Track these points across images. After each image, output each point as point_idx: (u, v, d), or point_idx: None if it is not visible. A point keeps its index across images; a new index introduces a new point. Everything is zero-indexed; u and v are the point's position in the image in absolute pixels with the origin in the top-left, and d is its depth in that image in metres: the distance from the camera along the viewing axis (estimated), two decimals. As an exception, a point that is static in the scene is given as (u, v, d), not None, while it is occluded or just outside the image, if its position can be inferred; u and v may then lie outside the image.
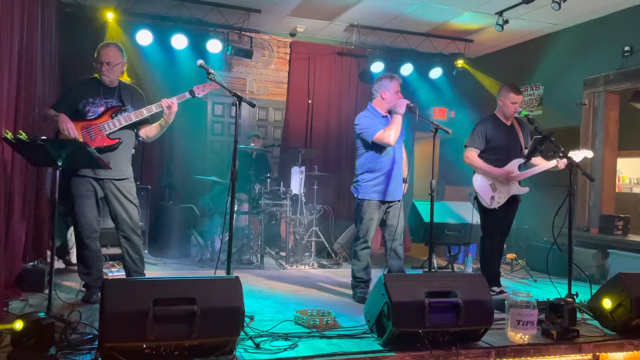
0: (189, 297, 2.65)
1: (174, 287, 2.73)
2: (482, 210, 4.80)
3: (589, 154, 4.69)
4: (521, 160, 4.72)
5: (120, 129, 3.93)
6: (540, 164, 4.74)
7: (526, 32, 7.40)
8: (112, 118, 3.93)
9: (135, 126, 4.06)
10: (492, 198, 4.72)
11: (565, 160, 4.44)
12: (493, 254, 4.83)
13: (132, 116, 3.95)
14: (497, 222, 4.77)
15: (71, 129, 3.75)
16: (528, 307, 3.20)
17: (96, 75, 4.03)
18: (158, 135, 4.21)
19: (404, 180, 4.63)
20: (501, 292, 4.68)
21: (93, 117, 3.92)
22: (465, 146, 4.84)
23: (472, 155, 4.75)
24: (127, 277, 4.07)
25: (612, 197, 6.63)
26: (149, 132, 4.14)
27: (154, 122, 4.12)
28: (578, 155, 4.55)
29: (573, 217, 4.37)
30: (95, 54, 4.02)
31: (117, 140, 3.94)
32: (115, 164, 3.92)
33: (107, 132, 3.90)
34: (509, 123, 4.83)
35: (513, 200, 4.79)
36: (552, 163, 4.61)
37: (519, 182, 4.80)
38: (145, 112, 3.97)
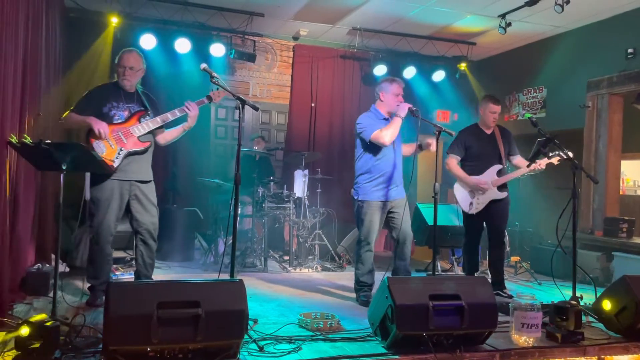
0: (193, 300, 2.66)
1: (178, 290, 2.73)
2: (464, 216, 5.09)
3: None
4: (499, 167, 4.96)
5: (147, 132, 4.02)
6: (523, 165, 4.92)
7: (529, 35, 7.40)
8: (140, 122, 4.01)
9: (154, 131, 4.12)
10: (471, 204, 4.98)
11: (543, 163, 4.66)
12: (472, 256, 5.10)
13: (159, 120, 4.05)
14: (476, 226, 5.03)
15: (105, 129, 3.82)
16: (532, 309, 3.19)
17: (116, 80, 4.09)
18: (175, 140, 4.30)
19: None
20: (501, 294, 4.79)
21: (120, 121, 3.98)
22: (447, 153, 5.11)
23: (451, 162, 5.08)
24: (131, 281, 4.08)
25: (616, 200, 6.61)
26: (167, 136, 4.24)
27: (169, 128, 4.20)
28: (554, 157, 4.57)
29: (577, 219, 4.36)
30: (117, 59, 4.08)
31: (148, 143, 4.06)
32: (140, 168, 4.03)
33: (138, 135, 3.97)
34: (489, 132, 5.07)
35: (496, 203, 4.95)
36: (531, 167, 4.72)
37: (504, 185, 5.00)
38: (170, 117, 4.06)
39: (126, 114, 4.01)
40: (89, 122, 3.82)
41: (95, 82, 6.68)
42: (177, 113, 4.06)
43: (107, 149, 3.87)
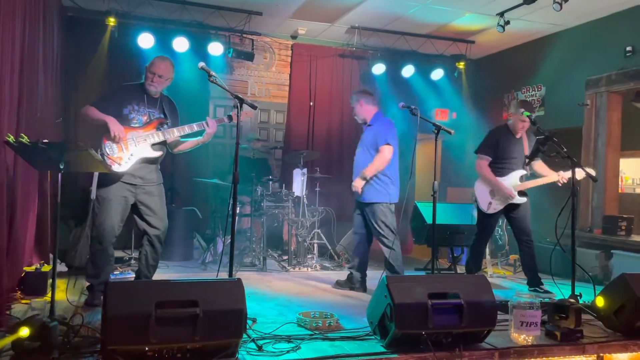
0: (192, 299, 2.65)
1: (176, 290, 2.73)
2: (479, 213, 5.16)
3: (592, 172, 4.74)
4: (523, 172, 5.03)
5: (161, 142, 4.03)
6: (545, 173, 5.00)
7: (528, 33, 7.40)
8: (157, 130, 4.02)
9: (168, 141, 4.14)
10: (490, 204, 5.04)
11: (566, 176, 4.69)
12: (478, 253, 5.24)
13: (176, 132, 4.06)
14: (489, 225, 5.16)
15: (121, 133, 3.83)
16: (532, 308, 3.19)
17: (142, 82, 4.09)
18: (186, 151, 4.34)
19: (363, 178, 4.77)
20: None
21: (138, 125, 3.99)
22: (476, 153, 5.13)
23: (483, 165, 5.06)
24: (129, 280, 4.08)
25: (615, 198, 6.61)
26: (182, 147, 4.27)
27: (185, 139, 4.23)
28: (581, 173, 4.52)
29: (576, 217, 4.36)
30: (149, 63, 4.08)
31: (160, 153, 4.08)
32: (149, 173, 4.05)
33: (151, 143, 3.98)
34: (518, 136, 5.11)
35: (516, 206, 5.07)
36: (554, 177, 4.76)
37: (524, 192, 5.10)
38: (187, 130, 4.07)
39: (145, 118, 4.03)
40: (108, 122, 3.83)
41: (93, 82, 6.72)
42: (195, 127, 4.07)
43: (118, 151, 3.89)
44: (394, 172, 4.87)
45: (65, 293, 4.14)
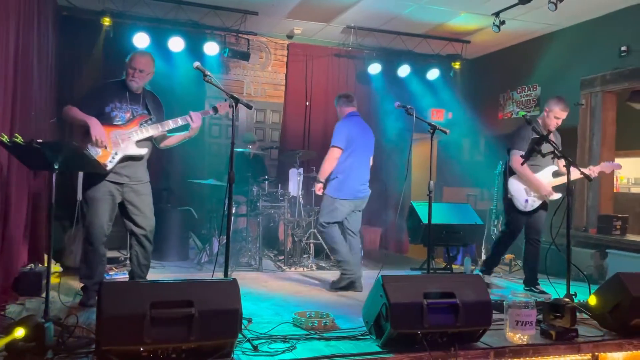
0: (187, 299, 2.64)
1: (171, 290, 2.72)
2: (513, 211, 4.99)
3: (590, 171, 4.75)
4: (555, 168, 4.93)
5: (146, 138, 3.98)
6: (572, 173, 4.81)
7: (523, 33, 7.41)
8: (140, 126, 3.96)
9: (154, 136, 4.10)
10: (526, 201, 4.92)
11: (596, 170, 4.79)
12: (503, 250, 5.18)
13: (159, 127, 4.00)
14: (521, 224, 5.02)
15: (103, 137, 3.76)
16: (527, 307, 3.19)
17: (122, 79, 4.04)
18: (174, 145, 4.30)
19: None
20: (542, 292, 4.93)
21: (120, 123, 3.93)
22: (511, 150, 4.94)
23: (519, 160, 4.75)
24: (124, 281, 4.07)
25: (610, 197, 6.63)
26: (168, 142, 4.23)
27: (171, 133, 4.18)
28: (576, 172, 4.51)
29: (571, 217, 4.36)
30: (129, 59, 4.02)
31: (145, 150, 4.02)
32: (135, 171, 4.00)
33: (135, 140, 3.93)
34: (546, 132, 4.84)
35: (544, 204, 5.03)
36: (585, 172, 4.66)
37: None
38: (171, 124, 4.02)
39: (128, 115, 3.97)
40: (89, 124, 3.76)
41: (88, 82, 6.69)
42: (180, 122, 4.02)
43: (102, 152, 3.83)
44: (345, 171, 4.92)
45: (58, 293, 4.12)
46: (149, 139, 4.05)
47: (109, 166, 3.85)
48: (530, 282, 5.05)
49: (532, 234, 5.06)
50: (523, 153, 4.72)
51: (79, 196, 3.66)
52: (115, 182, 3.93)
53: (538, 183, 4.87)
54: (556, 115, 4.84)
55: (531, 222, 5.04)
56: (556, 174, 4.94)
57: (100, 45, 6.69)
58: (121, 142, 3.88)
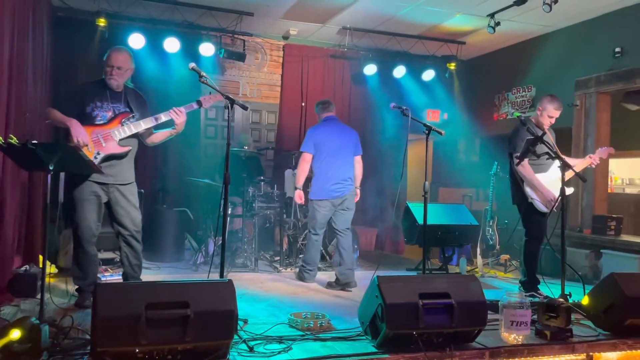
0: (182, 300, 2.64)
1: (166, 291, 2.72)
2: (533, 213, 4.80)
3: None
4: (558, 163, 4.76)
5: (130, 136, 3.94)
6: (572, 162, 4.76)
7: (518, 34, 7.44)
8: (122, 124, 3.92)
9: (139, 133, 4.05)
10: (550, 201, 4.73)
11: (597, 157, 4.77)
12: (536, 258, 4.89)
13: (142, 124, 3.96)
14: (543, 224, 4.81)
15: (84, 138, 3.73)
16: (522, 307, 3.21)
17: (102, 78, 4.01)
18: (162, 142, 4.26)
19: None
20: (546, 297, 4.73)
21: (102, 122, 3.89)
22: (513, 153, 4.81)
23: (525, 163, 4.71)
24: (119, 282, 4.05)
25: (604, 198, 6.66)
26: (154, 139, 4.19)
27: (157, 130, 4.14)
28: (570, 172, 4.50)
29: (566, 218, 4.38)
30: (106, 57, 3.99)
31: (128, 148, 3.97)
32: (121, 170, 3.96)
33: (118, 139, 3.89)
34: (540, 131, 4.82)
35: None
36: (587, 161, 4.66)
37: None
38: (154, 121, 3.98)
39: (109, 114, 3.92)
40: (69, 126, 3.73)
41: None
42: (163, 117, 3.97)
43: (84, 152, 3.81)
44: (319, 174, 5.25)
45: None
46: (134, 136, 4.01)
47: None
48: (533, 287, 4.89)
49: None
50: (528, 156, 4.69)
51: (61, 197, 3.58)
52: (99, 182, 3.89)
53: (543, 189, 4.74)
54: (550, 114, 4.80)
55: (546, 222, 4.88)
56: (562, 168, 4.84)
57: (96, 46, 6.66)
58: (103, 142, 3.83)
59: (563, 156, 4.73)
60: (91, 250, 3.97)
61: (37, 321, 2.74)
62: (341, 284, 5.07)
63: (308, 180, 5.45)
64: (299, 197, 5.32)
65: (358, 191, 5.43)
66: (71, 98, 3.97)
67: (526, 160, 4.71)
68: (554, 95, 4.90)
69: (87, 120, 3.84)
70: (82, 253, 3.94)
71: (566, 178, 4.76)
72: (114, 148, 3.88)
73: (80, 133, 3.72)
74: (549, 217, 4.38)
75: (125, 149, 3.94)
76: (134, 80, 7.12)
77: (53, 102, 3.95)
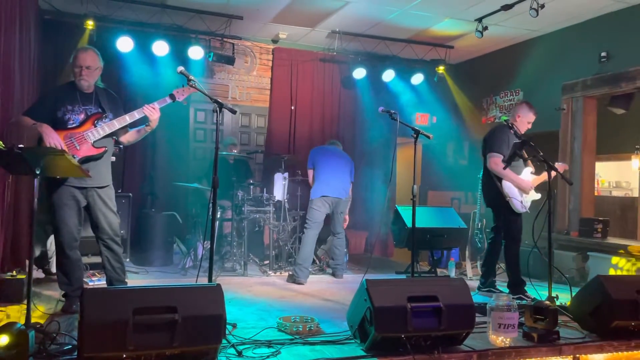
0: (170, 305, 2.63)
1: (154, 296, 2.70)
2: (511, 213, 4.88)
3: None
4: (531, 169, 4.93)
5: (104, 136, 3.88)
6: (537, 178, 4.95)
7: (505, 39, 7.50)
8: (95, 126, 3.85)
9: (115, 132, 3.99)
10: (521, 202, 4.87)
11: (562, 165, 4.85)
12: (519, 258, 4.92)
13: (116, 123, 3.88)
14: (520, 225, 4.92)
15: (58, 143, 3.65)
16: (509, 310, 3.23)
17: (72, 80, 3.94)
18: (139, 139, 4.20)
19: None
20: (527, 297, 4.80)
21: (74, 125, 3.83)
22: (490, 152, 4.89)
23: (499, 161, 4.80)
24: (107, 287, 4.02)
25: (591, 201, 6.72)
26: (129, 137, 4.12)
27: (133, 127, 4.08)
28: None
29: (553, 220, 4.42)
30: (73, 58, 3.92)
31: (103, 149, 3.90)
32: (98, 172, 3.88)
33: (92, 141, 3.84)
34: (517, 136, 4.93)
35: None
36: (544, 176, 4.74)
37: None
38: (128, 119, 3.90)
39: (82, 117, 3.85)
40: (41, 132, 3.64)
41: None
42: (136, 115, 3.90)
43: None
44: (317, 174, 5.93)
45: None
46: (108, 136, 3.93)
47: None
48: (491, 284, 5.00)
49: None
50: (501, 156, 4.81)
51: (35, 204, 3.42)
52: (77, 186, 3.83)
53: (520, 180, 4.86)
54: (529, 120, 4.96)
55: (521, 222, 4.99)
56: (533, 175, 4.99)
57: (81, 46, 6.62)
58: (77, 145, 3.77)
59: (530, 165, 4.90)
60: (74, 255, 3.91)
61: (24, 327, 2.72)
62: (332, 273, 6.04)
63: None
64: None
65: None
66: (41, 104, 3.88)
67: (499, 158, 4.80)
68: (529, 101, 5.06)
69: (59, 124, 3.76)
70: (64, 258, 3.89)
71: (536, 183, 4.89)
72: (89, 150, 3.81)
73: (53, 138, 3.64)
74: (535, 220, 4.41)
75: (101, 150, 3.87)
76: (123, 82, 7.13)
77: (24, 110, 3.84)
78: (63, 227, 3.85)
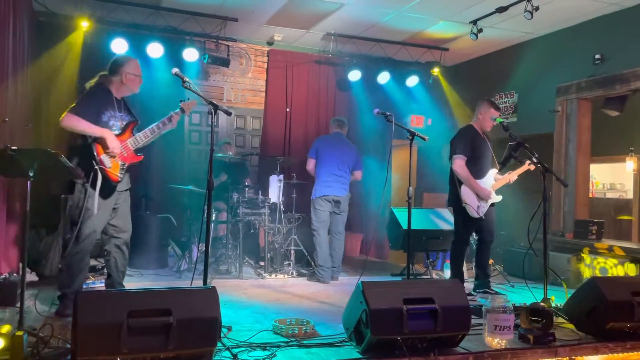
0: (165, 308, 2.62)
1: (148, 299, 2.69)
2: (465, 218, 5.01)
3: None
4: (495, 170, 4.95)
5: (142, 145, 3.98)
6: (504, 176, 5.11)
7: (500, 41, 7.52)
8: (133, 134, 3.94)
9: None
10: (478, 207, 4.97)
11: (514, 175, 5.04)
12: (463, 258, 5.19)
13: (149, 133, 3.98)
14: (472, 229, 5.09)
15: (119, 149, 3.77)
16: (505, 312, 3.23)
17: (104, 86, 3.94)
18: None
19: None
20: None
21: (118, 132, 3.89)
22: (454, 154, 5.01)
23: (462, 164, 4.95)
24: (100, 290, 4.01)
25: (586, 203, 6.74)
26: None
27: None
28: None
29: (548, 222, 4.43)
30: (127, 65, 3.96)
31: (142, 157, 4.03)
32: (128, 180, 4.04)
33: (134, 148, 3.92)
34: (482, 136, 5.11)
35: (491, 206, 5.10)
36: (524, 167, 4.86)
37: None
38: (156, 130, 4.01)
39: (121, 124, 3.93)
40: (105, 137, 3.73)
41: (64, 88, 6.60)
42: (167, 123, 4.04)
43: (112, 163, 3.81)
44: (317, 176, 5.95)
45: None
46: (145, 144, 4.04)
47: (120, 177, 3.88)
48: (485, 284, 5.09)
49: (487, 236, 5.13)
50: (464, 157, 4.96)
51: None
52: (119, 190, 3.96)
53: (479, 187, 4.97)
54: (492, 116, 5.04)
55: (484, 224, 5.09)
56: (497, 177, 5.07)
57: (77, 51, 6.60)
58: (124, 152, 3.88)
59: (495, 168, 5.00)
60: (87, 258, 3.98)
61: (17, 330, 2.69)
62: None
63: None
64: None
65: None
66: (91, 104, 3.85)
67: (463, 161, 4.94)
68: (491, 99, 5.20)
69: (105, 128, 3.83)
70: (79, 260, 3.89)
71: (498, 186, 4.97)
72: (133, 157, 3.95)
73: (117, 145, 3.76)
74: (531, 222, 4.42)
75: (141, 158, 4.01)
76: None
77: (71, 109, 3.75)
78: (96, 229, 3.89)
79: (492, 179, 5.06)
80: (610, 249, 5.76)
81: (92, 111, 3.79)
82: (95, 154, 3.75)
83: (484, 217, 4.99)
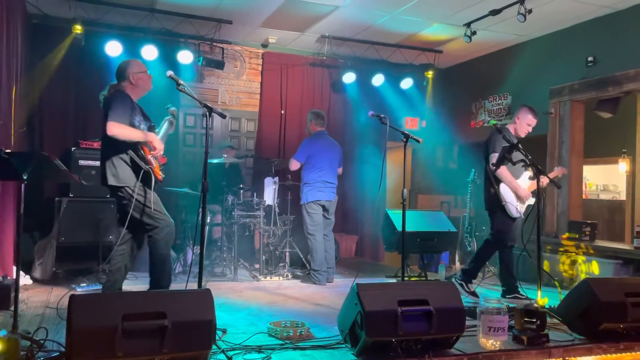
0: (159, 311, 2.61)
1: (143, 301, 2.68)
2: (505, 220, 4.89)
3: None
4: (530, 173, 4.85)
5: None
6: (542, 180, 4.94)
7: (494, 43, 7.56)
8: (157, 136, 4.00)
9: None
10: (516, 208, 4.88)
11: (561, 170, 5.02)
12: (488, 259, 5.11)
13: (164, 137, 4.08)
14: (511, 230, 4.93)
15: (163, 150, 3.92)
16: (499, 313, 3.24)
17: (123, 90, 3.95)
18: None
19: None
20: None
21: None
22: (491, 154, 4.91)
23: (504, 167, 4.80)
24: (95, 292, 4.01)
25: (579, 204, 6.77)
26: None
27: None
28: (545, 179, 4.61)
29: (542, 223, 4.45)
30: (130, 67, 3.99)
31: (166, 159, 4.15)
32: None
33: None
34: (516, 140, 4.90)
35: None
36: (554, 173, 4.83)
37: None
38: (167, 134, 4.14)
39: (145, 127, 3.97)
40: (151, 140, 3.84)
41: (58, 91, 6.58)
42: (171, 127, 4.16)
43: (156, 164, 3.92)
44: (310, 182, 5.91)
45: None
46: None
47: (161, 177, 4.03)
48: (514, 289, 4.96)
49: (511, 240, 5.07)
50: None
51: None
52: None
53: (518, 187, 4.89)
54: (529, 122, 4.98)
55: (513, 228, 5.00)
56: (531, 179, 4.99)
57: (72, 53, 6.58)
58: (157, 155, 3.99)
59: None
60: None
61: (11, 333, 2.68)
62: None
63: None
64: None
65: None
66: (127, 109, 3.83)
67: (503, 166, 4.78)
68: (530, 105, 5.05)
69: None
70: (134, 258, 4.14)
71: (532, 188, 4.90)
72: (163, 159, 4.06)
73: (162, 147, 3.90)
74: (525, 223, 4.45)
75: (166, 159, 4.12)
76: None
77: (112, 117, 3.71)
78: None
79: (527, 181, 4.98)
80: (603, 249, 5.79)
81: (127, 117, 3.81)
82: (143, 155, 3.84)
83: (517, 219, 4.93)
